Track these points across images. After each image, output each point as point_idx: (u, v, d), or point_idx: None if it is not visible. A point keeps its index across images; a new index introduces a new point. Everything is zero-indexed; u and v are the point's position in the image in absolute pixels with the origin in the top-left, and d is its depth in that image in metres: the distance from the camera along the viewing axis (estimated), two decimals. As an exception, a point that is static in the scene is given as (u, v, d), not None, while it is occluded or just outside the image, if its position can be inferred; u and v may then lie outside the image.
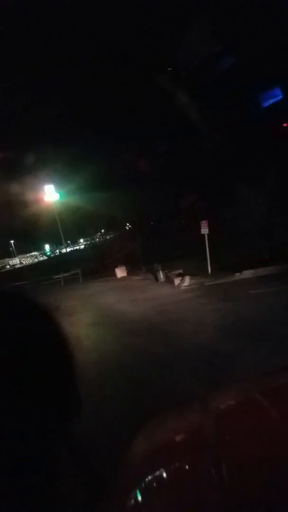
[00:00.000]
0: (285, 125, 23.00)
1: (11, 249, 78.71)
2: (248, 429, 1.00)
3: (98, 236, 70.88)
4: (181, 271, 14.07)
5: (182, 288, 11.39)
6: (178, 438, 1.17)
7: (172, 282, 12.57)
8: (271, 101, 21.10)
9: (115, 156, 45.49)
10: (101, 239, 66.67)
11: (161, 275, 13.84)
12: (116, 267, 19.31)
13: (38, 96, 48.74)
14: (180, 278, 12.09)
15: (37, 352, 0.54)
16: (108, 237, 64.76)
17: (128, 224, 60.99)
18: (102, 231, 71.01)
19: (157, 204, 37.81)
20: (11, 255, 78.40)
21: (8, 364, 0.50)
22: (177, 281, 12.09)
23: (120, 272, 19.02)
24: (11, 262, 74.03)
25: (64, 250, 58.33)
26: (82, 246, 69.49)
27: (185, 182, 30.54)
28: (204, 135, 25.64)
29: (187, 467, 0.98)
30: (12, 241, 77.14)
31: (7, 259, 76.17)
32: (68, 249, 62.32)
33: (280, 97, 20.62)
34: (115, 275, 19.51)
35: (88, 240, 71.89)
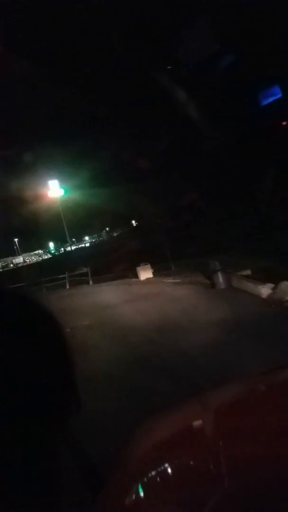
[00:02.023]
0: (284, 123, 22.34)
1: (15, 247, 75.25)
2: (247, 427, 0.97)
3: (104, 233, 66.09)
4: (249, 271, 8.71)
5: (286, 304, 5.96)
6: (177, 435, 1.10)
7: (248, 291, 7.19)
8: (270, 99, 20.58)
9: (121, 152, 42.21)
10: (108, 236, 61.94)
11: (220, 279, 8.44)
12: (138, 265, 13.92)
13: (42, 92, 45.40)
14: (271, 285, 6.68)
15: (35, 351, 0.50)
16: (114, 234, 60.16)
17: (134, 221, 57.24)
18: (107, 228, 66.46)
19: (163, 201, 34.89)
20: (15, 254, 74.99)
21: (5, 363, 0.47)
22: (264, 290, 6.68)
23: (144, 273, 13.64)
24: (14, 261, 70.85)
25: (69, 248, 53.32)
26: (87, 244, 64.72)
27: (189, 179, 29.08)
28: (205, 132, 24.90)
29: (186, 464, 0.94)
30: (16, 239, 73.65)
31: (10, 258, 72.69)
32: (73, 247, 57.24)
33: (279, 95, 20.08)
34: (134, 275, 14.20)
35: (94, 238, 66.99)
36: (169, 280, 11.80)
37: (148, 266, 13.76)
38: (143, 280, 13.39)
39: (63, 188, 43.84)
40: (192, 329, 5.79)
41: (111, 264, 21.13)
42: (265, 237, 12.36)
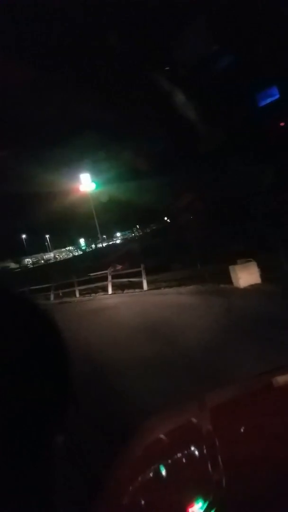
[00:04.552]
0: (282, 124, 21.50)
1: (46, 243, 71.93)
2: (248, 428, 0.94)
3: (136, 229, 60.69)
4: None
5: None
6: (176, 436, 1.05)
7: None
8: (268, 100, 20.02)
9: (153, 146, 37.66)
10: (141, 233, 56.49)
11: None
12: (234, 263, 7.94)
13: (65, 88, 42.11)
14: None
15: (31, 350, 0.48)
16: (148, 230, 54.50)
17: (167, 217, 51.98)
18: (137, 226, 61.12)
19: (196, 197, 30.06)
20: (46, 250, 71.70)
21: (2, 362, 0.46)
22: None
23: (246, 275, 7.67)
24: (45, 257, 67.73)
25: (100, 245, 48.37)
26: (118, 241, 59.45)
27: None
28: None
29: (185, 465, 0.90)
30: (47, 236, 70.15)
31: (41, 254, 69.52)
32: (104, 244, 52.20)
33: (277, 96, 19.54)
34: (216, 279, 8.38)
35: (125, 234, 61.67)
36: None
37: (253, 264, 7.77)
38: (246, 288, 7.46)
39: (95, 182, 39.14)
40: None
41: (158, 261, 15.33)
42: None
